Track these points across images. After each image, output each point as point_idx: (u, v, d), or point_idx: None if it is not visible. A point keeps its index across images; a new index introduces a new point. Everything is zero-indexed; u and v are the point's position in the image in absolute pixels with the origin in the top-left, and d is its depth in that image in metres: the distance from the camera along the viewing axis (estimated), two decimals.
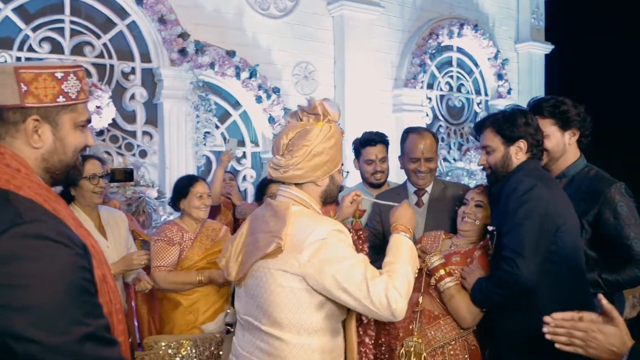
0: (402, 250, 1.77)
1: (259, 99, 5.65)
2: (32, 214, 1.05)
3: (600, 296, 1.44)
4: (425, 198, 2.83)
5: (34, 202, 1.10)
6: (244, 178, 5.83)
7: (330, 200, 1.89)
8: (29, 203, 1.09)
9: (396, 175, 3.73)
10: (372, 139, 3.14)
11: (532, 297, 2.00)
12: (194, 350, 2.64)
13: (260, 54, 5.76)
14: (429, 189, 2.83)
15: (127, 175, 3.02)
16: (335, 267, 1.61)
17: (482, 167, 2.31)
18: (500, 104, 7.79)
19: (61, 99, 1.19)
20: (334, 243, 1.65)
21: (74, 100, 1.22)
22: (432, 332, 2.11)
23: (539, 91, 8.25)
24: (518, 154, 2.15)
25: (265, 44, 5.83)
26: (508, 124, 2.13)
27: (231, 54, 5.40)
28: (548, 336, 1.45)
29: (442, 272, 2.14)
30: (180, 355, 2.61)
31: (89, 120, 1.28)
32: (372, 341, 1.95)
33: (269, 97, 5.66)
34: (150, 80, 5.23)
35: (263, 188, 3.28)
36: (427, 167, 2.74)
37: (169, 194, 4.97)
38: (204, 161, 5.46)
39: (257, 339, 1.74)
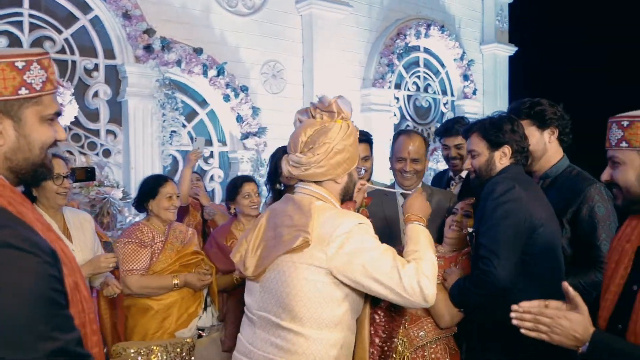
0: (421, 238, 1.81)
1: (226, 98, 5.55)
2: None
3: (565, 284, 1.47)
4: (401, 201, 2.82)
5: None
6: (212, 178, 5.72)
7: (348, 197, 1.93)
8: None
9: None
10: None
11: (508, 299, 2.00)
12: (164, 356, 2.55)
13: (228, 51, 5.67)
14: None
15: (88, 175, 2.88)
16: (364, 257, 1.63)
17: (466, 170, 2.35)
18: (466, 105, 7.91)
19: (23, 91, 1.08)
20: (360, 234, 1.67)
21: (39, 92, 1.10)
22: (415, 331, 2.10)
23: (503, 92, 8.40)
24: (502, 159, 2.18)
25: (233, 41, 5.74)
26: (494, 129, 2.17)
27: (198, 51, 5.29)
28: (515, 321, 1.49)
29: None
30: None
31: (58, 113, 1.16)
32: (382, 342, 1.95)
33: (237, 95, 5.57)
34: (114, 77, 5.07)
35: (236, 187, 3.20)
36: (412, 168, 2.75)
37: (134, 194, 4.83)
38: (170, 161, 5.33)
39: (272, 336, 1.72)
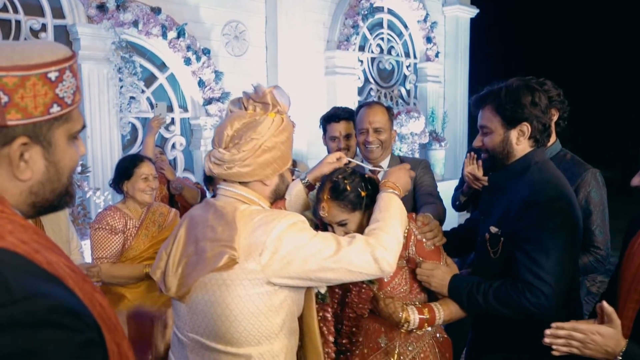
0: (391, 208, 1.67)
1: (187, 61, 5.23)
2: (23, 285, 0.71)
3: (605, 304, 1.45)
4: (381, 176, 2.70)
5: (20, 258, 0.76)
6: (173, 146, 5.44)
7: (280, 197, 1.73)
8: (15, 261, 0.75)
9: None
10: (336, 115, 2.98)
11: None
12: None
13: (187, 11, 5.31)
14: (384, 165, 2.68)
15: None
16: (303, 252, 1.48)
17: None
18: (428, 67, 7.83)
19: (55, 109, 0.86)
20: (293, 234, 1.49)
21: (70, 107, 0.89)
22: (404, 348, 1.93)
23: (464, 55, 8.36)
24: (519, 139, 1.86)
25: (193, 0, 5.37)
26: (511, 103, 1.82)
27: (156, 11, 4.92)
28: (547, 340, 1.50)
29: (426, 316, 1.86)
30: None
31: (84, 126, 0.96)
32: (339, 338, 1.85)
33: (198, 59, 5.26)
34: (65, 39, 4.64)
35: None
36: (375, 138, 2.61)
37: (92, 166, 4.53)
38: (130, 129, 5.00)
39: None
